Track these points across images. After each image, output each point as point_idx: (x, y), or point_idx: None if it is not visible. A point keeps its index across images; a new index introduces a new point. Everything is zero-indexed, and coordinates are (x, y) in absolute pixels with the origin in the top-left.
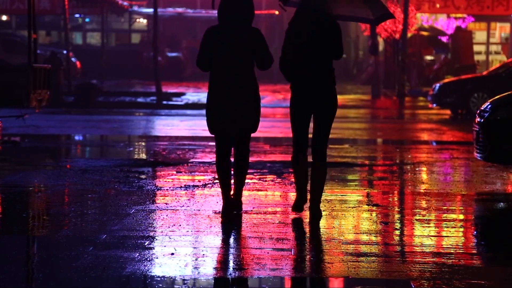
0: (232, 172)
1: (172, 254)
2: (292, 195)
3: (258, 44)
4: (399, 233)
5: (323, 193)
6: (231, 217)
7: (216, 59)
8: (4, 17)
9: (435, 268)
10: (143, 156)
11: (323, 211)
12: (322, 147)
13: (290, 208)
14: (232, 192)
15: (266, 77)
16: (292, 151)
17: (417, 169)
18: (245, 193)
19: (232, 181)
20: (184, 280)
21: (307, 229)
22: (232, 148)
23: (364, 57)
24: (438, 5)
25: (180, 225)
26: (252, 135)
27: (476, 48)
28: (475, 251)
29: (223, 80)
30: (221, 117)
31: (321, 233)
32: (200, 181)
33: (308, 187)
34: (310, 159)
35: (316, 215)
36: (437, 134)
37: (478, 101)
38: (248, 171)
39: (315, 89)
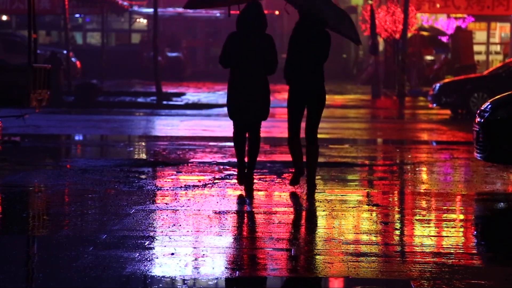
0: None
1: (172, 254)
2: (292, 195)
3: (269, 49)
4: (399, 233)
5: (324, 193)
6: (244, 180)
7: (235, 61)
8: (4, 17)
9: (435, 268)
10: (143, 156)
11: (323, 211)
12: (314, 133)
13: (290, 208)
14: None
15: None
16: (288, 134)
17: (417, 169)
18: (245, 193)
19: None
20: (184, 280)
21: (307, 229)
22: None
23: (364, 57)
24: (438, 5)
25: (180, 225)
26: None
27: (476, 48)
28: (475, 251)
29: (240, 78)
30: (239, 107)
31: (321, 233)
32: (200, 181)
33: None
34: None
35: (312, 187)
36: (437, 134)
37: (478, 101)
38: None
39: (314, 88)
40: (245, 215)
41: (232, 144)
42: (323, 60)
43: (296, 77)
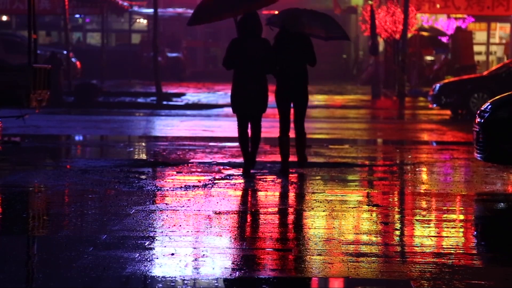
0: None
1: (172, 254)
2: (292, 195)
3: (267, 51)
4: (399, 234)
5: (324, 193)
6: (249, 173)
7: (238, 62)
8: (4, 17)
9: (435, 268)
10: (143, 156)
11: (323, 211)
12: (301, 124)
13: (290, 208)
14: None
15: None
16: (279, 132)
17: (417, 169)
18: (245, 193)
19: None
20: (184, 280)
21: (307, 229)
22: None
23: (364, 57)
24: (438, 6)
25: (180, 226)
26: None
27: (476, 48)
28: (475, 251)
29: (243, 76)
30: (241, 102)
31: (321, 233)
32: (200, 181)
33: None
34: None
35: (302, 163)
36: (437, 135)
37: (478, 101)
38: None
39: (297, 86)
40: (245, 215)
41: (232, 144)
42: (308, 62)
43: (282, 79)
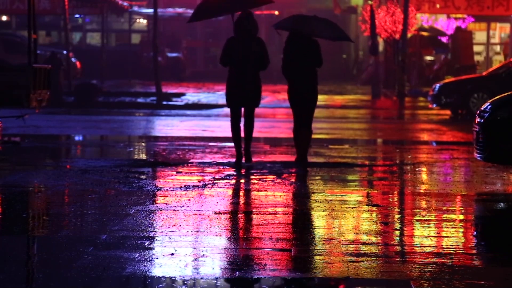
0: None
1: (172, 254)
2: (292, 195)
3: (262, 50)
4: (399, 234)
5: (324, 193)
6: (241, 164)
7: (233, 59)
8: (4, 17)
9: (435, 268)
10: (143, 156)
11: (323, 211)
12: (309, 121)
13: (290, 208)
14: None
15: (267, 78)
16: (294, 125)
17: (417, 169)
18: (245, 193)
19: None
20: (184, 280)
21: (307, 229)
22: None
23: (364, 57)
24: (438, 6)
25: (180, 226)
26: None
27: (476, 48)
28: (475, 251)
29: (237, 73)
30: (235, 96)
31: (321, 233)
32: (200, 181)
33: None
34: None
35: (303, 165)
36: (437, 135)
37: (478, 101)
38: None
39: (306, 86)
40: (245, 215)
41: (232, 144)
42: (315, 64)
43: (293, 79)
